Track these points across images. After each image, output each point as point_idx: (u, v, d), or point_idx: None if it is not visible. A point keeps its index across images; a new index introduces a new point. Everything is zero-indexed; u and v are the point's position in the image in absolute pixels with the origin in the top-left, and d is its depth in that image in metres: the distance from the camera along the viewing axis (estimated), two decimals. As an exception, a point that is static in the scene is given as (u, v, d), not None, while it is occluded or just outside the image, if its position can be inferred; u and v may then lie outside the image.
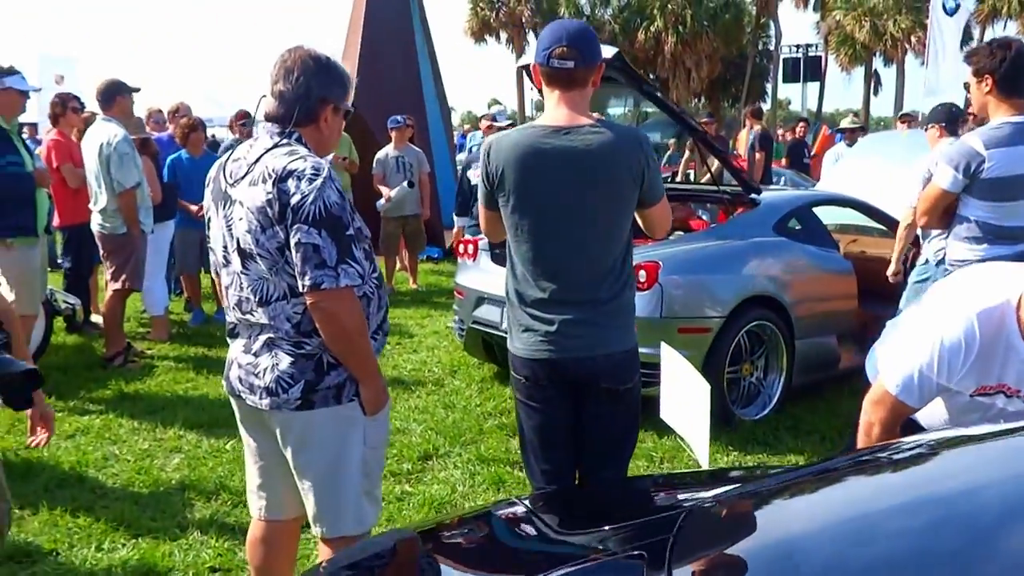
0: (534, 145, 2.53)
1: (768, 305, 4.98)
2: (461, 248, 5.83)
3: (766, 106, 43.60)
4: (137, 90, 6.13)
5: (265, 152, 2.32)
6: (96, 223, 6.11)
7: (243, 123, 8.94)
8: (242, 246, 2.32)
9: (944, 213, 3.78)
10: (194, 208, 7.12)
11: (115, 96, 5.93)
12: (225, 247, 2.39)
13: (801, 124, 14.37)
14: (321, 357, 2.36)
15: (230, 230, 2.35)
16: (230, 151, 2.46)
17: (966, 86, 3.69)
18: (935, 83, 15.95)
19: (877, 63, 39.43)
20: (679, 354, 3.32)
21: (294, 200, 2.22)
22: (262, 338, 2.39)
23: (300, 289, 2.26)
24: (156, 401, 5.37)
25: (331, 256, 2.24)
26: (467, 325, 5.59)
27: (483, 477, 4.19)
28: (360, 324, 2.34)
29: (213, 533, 3.60)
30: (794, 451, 4.56)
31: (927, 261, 4.67)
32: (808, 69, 34.78)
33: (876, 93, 40.96)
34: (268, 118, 2.40)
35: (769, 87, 40.69)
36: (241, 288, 2.37)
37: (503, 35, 42.16)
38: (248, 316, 2.39)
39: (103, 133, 5.90)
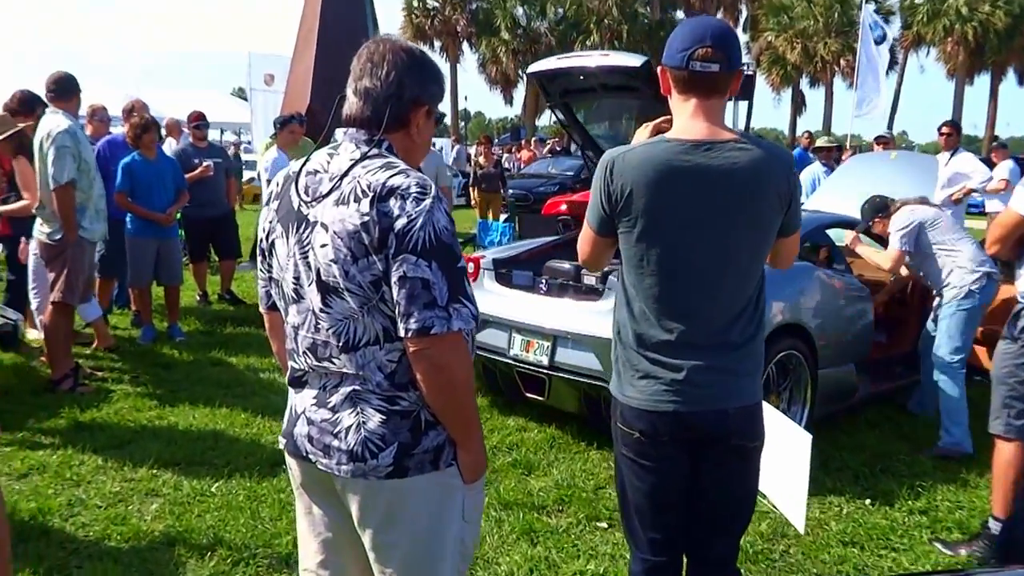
0: (670, 162, 2.15)
1: (796, 334, 4.70)
2: (458, 266, 5.39)
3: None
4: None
5: (354, 164, 1.89)
6: (36, 227, 5.51)
7: (197, 126, 8.33)
8: (324, 278, 1.87)
9: (1017, 243, 3.54)
10: (161, 216, 6.53)
11: (76, 90, 5.37)
12: (297, 279, 1.93)
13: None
14: (419, 414, 1.92)
15: (306, 258, 1.90)
16: (304, 161, 2.02)
17: None
18: (865, 106, 16.27)
19: (802, 84, 40.32)
20: (770, 406, 2.97)
21: (398, 224, 1.79)
22: (344, 390, 1.94)
23: (401, 333, 1.83)
24: (119, 433, 4.76)
25: (442, 294, 1.81)
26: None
27: (511, 525, 3.76)
28: (470, 375, 1.91)
29: (218, 600, 3.10)
30: (834, 492, 4.25)
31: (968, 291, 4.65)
32: (741, 88, 35.32)
33: (800, 113, 41.89)
34: (350, 121, 1.96)
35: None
36: (317, 329, 1.93)
37: (437, 43, 41.75)
38: (326, 363, 1.94)
39: (47, 124, 5.31)
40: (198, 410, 5.18)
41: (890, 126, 31.32)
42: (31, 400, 5.23)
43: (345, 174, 1.87)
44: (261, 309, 2.18)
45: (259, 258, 2.09)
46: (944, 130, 8.41)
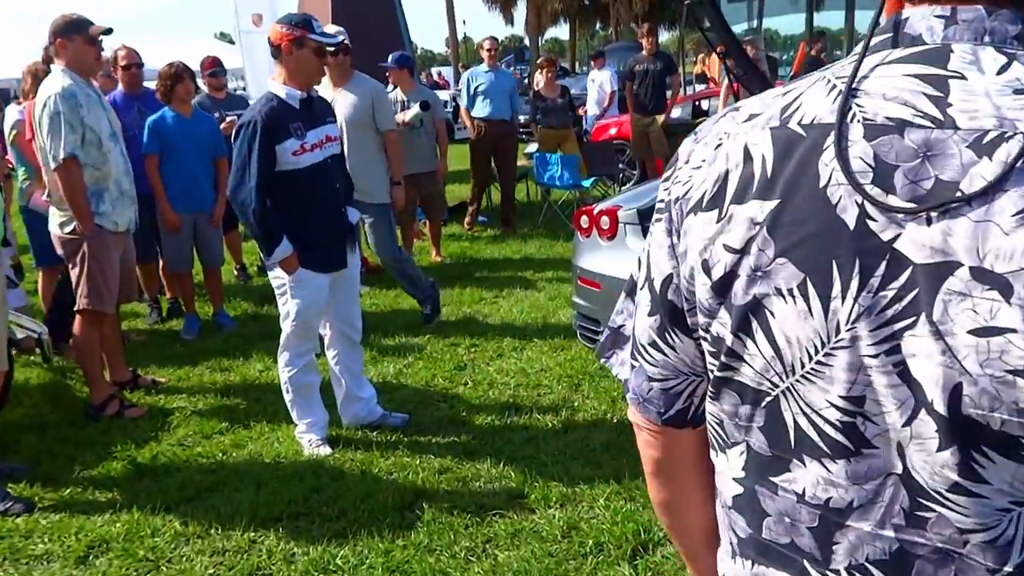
0: None
1: None
2: (584, 221, 4.30)
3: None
4: (108, 31, 4.36)
5: None
6: (50, 218, 4.43)
7: (213, 73, 7.12)
8: (980, 410, 0.71)
9: None
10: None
11: (71, 33, 4.19)
12: (859, 401, 0.77)
13: (818, 42, 12.93)
14: None
15: (896, 354, 0.74)
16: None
17: None
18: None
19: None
20: None
21: None
22: None
23: None
24: (191, 476, 3.73)
25: None
26: (605, 326, 4.09)
27: None
28: None
29: None
30: None
31: None
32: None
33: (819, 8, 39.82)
34: None
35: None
36: (920, 522, 0.77)
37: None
38: None
39: (42, 89, 4.21)
40: (280, 430, 4.14)
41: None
42: (72, 435, 4.20)
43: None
44: (639, 416, 1.02)
45: (652, 315, 0.95)
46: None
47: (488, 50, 8.75)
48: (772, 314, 0.81)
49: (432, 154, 7.44)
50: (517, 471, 3.59)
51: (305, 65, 3.60)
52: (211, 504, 3.46)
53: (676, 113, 10.47)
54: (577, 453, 3.75)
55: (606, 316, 4.08)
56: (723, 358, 0.87)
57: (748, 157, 0.83)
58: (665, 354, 0.95)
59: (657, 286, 0.93)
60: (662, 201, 0.93)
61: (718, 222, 0.84)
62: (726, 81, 10.25)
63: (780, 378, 0.82)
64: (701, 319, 0.88)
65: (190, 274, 5.82)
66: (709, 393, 0.91)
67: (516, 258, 7.67)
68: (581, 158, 8.91)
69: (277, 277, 3.71)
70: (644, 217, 4.11)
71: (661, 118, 9.38)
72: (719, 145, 0.87)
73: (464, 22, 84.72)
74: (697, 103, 11.80)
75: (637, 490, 3.37)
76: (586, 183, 8.87)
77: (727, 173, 0.85)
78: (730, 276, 0.83)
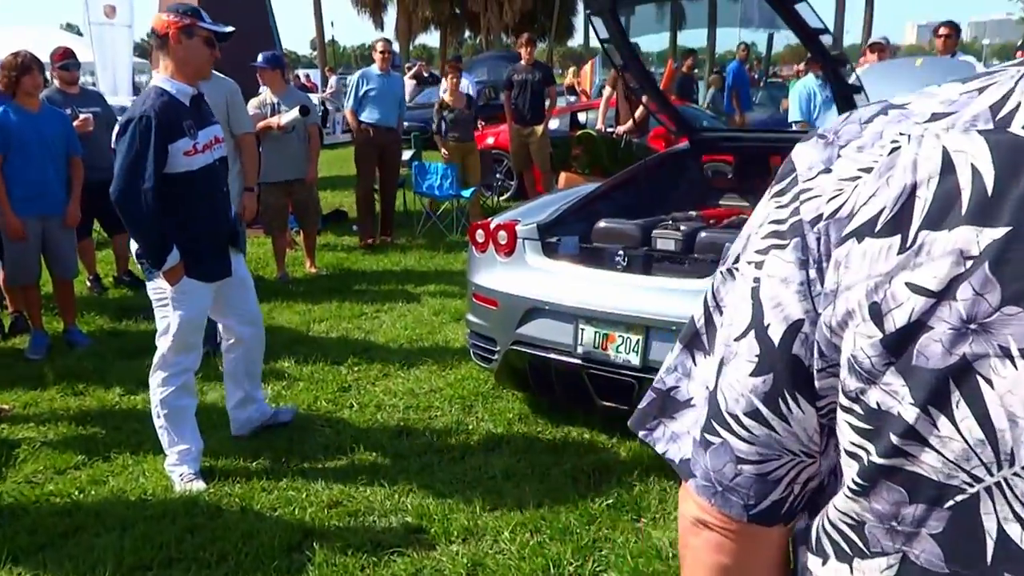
0: None
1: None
2: (480, 235, 4.10)
3: (574, 42, 43.15)
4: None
5: None
6: None
7: (64, 66, 6.51)
8: None
9: None
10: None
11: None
12: None
13: (688, 59, 13.26)
14: None
15: None
16: None
17: None
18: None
19: None
20: None
21: None
22: None
23: None
24: (42, 518, 3.29)
25: None
26: (505, 347, 3.92)
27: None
28: None
29: None
30: None
31: None
32: (617, 3, 34.16)
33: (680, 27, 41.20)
34: None
35: (579, 22, 39.97)
36: None
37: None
38: None
39: None
40: (146, 463, 3.74)
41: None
42: None
43: None
44: (710, 511, 0.78)
45: (760, 375, 0.72)
46: (942, 31, 7.58)
47: (381, 52, 8.35)
48: (989, 383, 0.60)
49: (305, 160, 7.10)
50: (414, 502, 3.36)
51: (195, 56, 3.38)
52: (67, 552, 3.05)
53: (554, 125, 10.43)
54: (476, 481, 3.55)
55: (503, 335, 3.92)
56: (893, 439, 0.64)
57: (949, 167, 0.63)
58: (771, 427, 0.73)
59: (775, 336, 0.71)
60: (780, 221, 0.72)
61: (900, 253, 0.63)
62: (605, 93, 10.33)
63: (987, 470, 0.61)
64: (850, 383, 0.66)
65: (37, 285, 5.27)
66: (851, 486, 0.69)
67: (396, 270, 7.41)
68: (461, 168, 8.68)
69: (158, 288, 3.41)
70: (544, 232, 3.97)
71: (540, 128, 9.27)
72: (895, 149, 0.66)
73: (332, 24, 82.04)
74: (575, 115, 11.84)
75: (542, 520, 3.21)
76: (466, 193, 8.67)
77: (914, 187, 0.64)
78: (915, 328, 0.62)
